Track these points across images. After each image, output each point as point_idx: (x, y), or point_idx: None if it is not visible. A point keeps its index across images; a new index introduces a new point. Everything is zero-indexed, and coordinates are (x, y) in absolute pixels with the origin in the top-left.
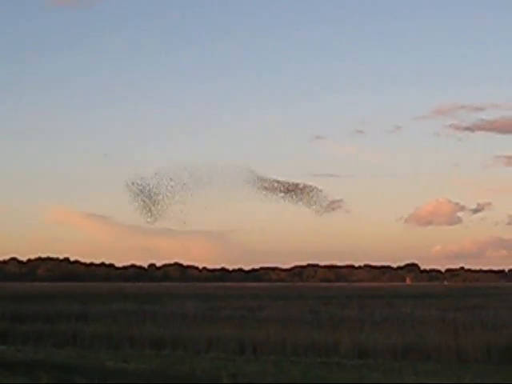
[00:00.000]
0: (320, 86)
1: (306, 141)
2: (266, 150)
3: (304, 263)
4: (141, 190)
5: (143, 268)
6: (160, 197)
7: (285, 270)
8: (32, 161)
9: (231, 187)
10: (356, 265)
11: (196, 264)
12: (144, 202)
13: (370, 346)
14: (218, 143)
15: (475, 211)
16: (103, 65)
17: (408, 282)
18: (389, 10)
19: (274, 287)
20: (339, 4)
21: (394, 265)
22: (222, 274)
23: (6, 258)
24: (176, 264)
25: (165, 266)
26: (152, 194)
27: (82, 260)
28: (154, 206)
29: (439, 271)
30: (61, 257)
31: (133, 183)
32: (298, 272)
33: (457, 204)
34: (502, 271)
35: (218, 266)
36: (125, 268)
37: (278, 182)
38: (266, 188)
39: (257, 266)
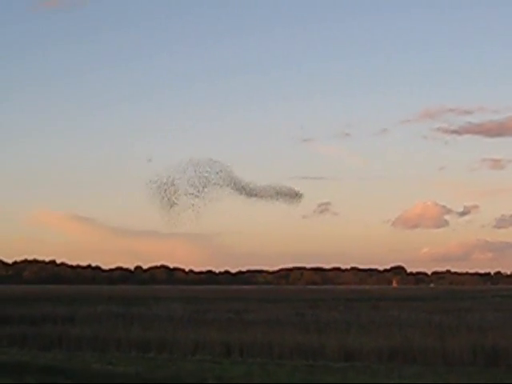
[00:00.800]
0: (307, 88)
1: (293, 143)
2: (253, 152)
3: (290, 266)
4: (164, 190)
5: (129, 270)
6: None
7: (271, 273)
8: (17, 163)
9: (218, 189)
10: (343, 267)
11: (182, 266)
12: (165, 202)
13: (356, 349)
14: (204, 145)
15: (462, 214)
16: (94, 65)
17: (394, 284)
18: (377, 13)
19: (260, 290)
20: (328, 7)
21: (381, 267)
22: (209, 276)
23: None
24: (162, 266)
25: (151, 268)
26: (172, 195)
27: (69, 262)
28: (171, 208)
29: (426, 274)
30: (47, 259)
31: (153, 182)
32: (285, 275)
33: (443, 207)
34: (488, 274)
35: (205, 269)
36: (111, 270)
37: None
38: (247, 194)
39: (243, 269)
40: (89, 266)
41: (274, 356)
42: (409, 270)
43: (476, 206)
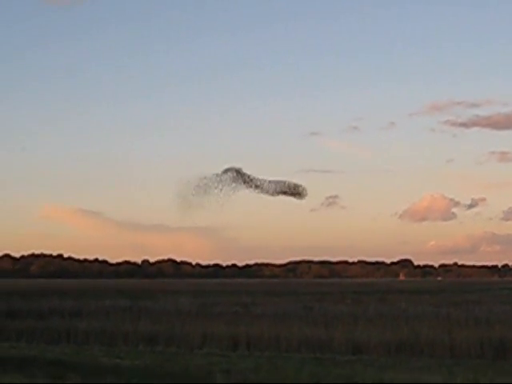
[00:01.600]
0: (315, 82)
1: (301, 137)
2: (261, 145)
3: (298, 259)
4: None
5: (137, 264)
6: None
7: (279, 266)
8: (24, 158)
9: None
10: (350, 260)
11: (190, 260)
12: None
13: (363, 342)
14: (211, 139)
15: (469, 207)
16: (97, 62)
17: (402, 277)
18: (384, 6)
19: (267, 283)
20: (334, 1)
21: (388, 260)
22: (216, 270)
23: (0, 254)
24: (170, 260)
25: (158, 262)
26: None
27: (76, 256)
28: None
29: (433, 267)
30: (54, 253)
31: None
32: (292, 268)
33: (451, 200)
34: (496, 266)
35: (212, 262)
36: (118, 264)
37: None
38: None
39: (251, 262)
40: (96, 260)
41: (282, 349)
42: (416, 263)
43: (483, 199)
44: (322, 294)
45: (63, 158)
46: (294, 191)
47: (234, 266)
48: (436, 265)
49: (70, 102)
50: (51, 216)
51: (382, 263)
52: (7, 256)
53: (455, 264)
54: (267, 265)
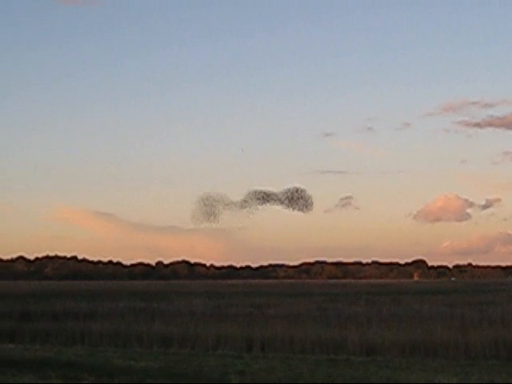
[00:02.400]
0: (329, 83)
1: (315, 138)
2: (275, 146)
3: (311, 260)
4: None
5: (151, 266)
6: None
7: (292, 267)
8: (38, 160)
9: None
10: (364, 261)
11: (203, 261)
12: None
13: (377, 343)
14: (224, 141)
15: (484, 207)
16: (110, 63)
17: (416, 278)
18: (398, 6)
19: (281, 284)
20: (347, 1)
21: (402, 261)
22: (230, 271)
23: (14, 256)
24: (184, 261)
25: (172, 263)
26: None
27: (90, 258)
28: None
29: (447, 267)
30: (68, 255)
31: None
32: (306, 269)
33: (466, 200)
34: (510, 267)
35: (226, 264)
36: (132, 266)
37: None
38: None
39: (264, 263)
40: (110, 262)
41: (296, 350)
42: (430, 264)
43: (498, 199)
44: (336, 295)
45: (77, 159)
46: (301, 196)
47: (247, 267)
48: (450, 265)
49: (83, 103)
50: (65, 218)
51: (396, 264)
52: (21, 258)
53: (469, 264)
54: (281, 266)
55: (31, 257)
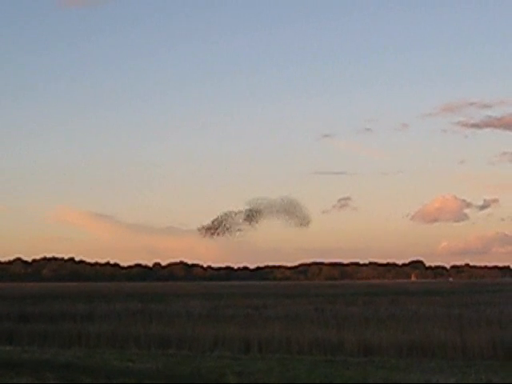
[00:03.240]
0: (328, 84)
1: (313, 139)
2: (274, 147)
3: (309, 261)
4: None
5: (148, 267)
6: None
7: (290, 268)
8: (35, 161)
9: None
10: (361, 262)
11: (201, 263)
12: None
13: (375, 344)
14: (223, 141)
15: (482, 208)
16: (110, 64)
17: (413, 278)
18: (396, 7)
19: (279, 285)
20: (346, 2)
21: (399, 262)
22: (227, 272)
23: (11, 258)
24: (181, 263)
25: (170, 265)
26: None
27: (87, 260)
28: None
29: (444, 268)
30: (66, 257)
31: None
32: (303, 270)
33: (463, 201)
34: (508, 267)
35: (223, 265)
36: (130, 267)
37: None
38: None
39: (262, 265)
40: (107, 264)
41: (293, 351)
42: (428, 264)
43: (496, 200)
44: (334, 296)
45: (74, 161)
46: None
47: (245, 268)
48: (448, 266)
49: (82, 105)
50: (63, 219)
51: (394, 264)
52: (19, 260)
53: (467, 265)
54: (278, 267)
55: (29, 258)
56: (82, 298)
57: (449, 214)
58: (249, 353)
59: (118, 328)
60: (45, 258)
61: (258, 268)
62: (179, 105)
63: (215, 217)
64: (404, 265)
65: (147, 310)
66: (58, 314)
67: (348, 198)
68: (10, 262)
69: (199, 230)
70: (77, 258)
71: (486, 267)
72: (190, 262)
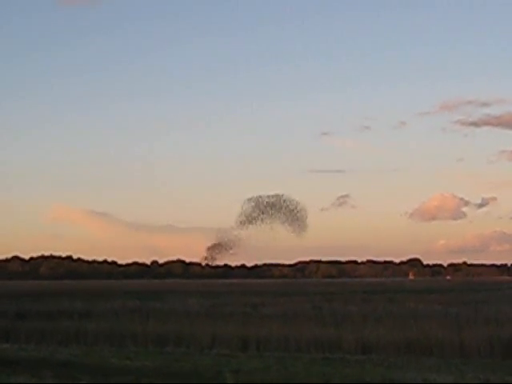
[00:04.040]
0: (326, 82)
1: (312, 137)
2: (272, 145)
3: (307, 259)
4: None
5: (146, 265)
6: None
7: (287, 266)
8: (32, 158)
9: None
10: (359, 260)
11: (198, 261)
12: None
13: (373, 342)
14: (221, 140)
15: (480, 206)
16: (110, 62)
17: (411, 277)
18: (393, 5)
19: (276, 283)
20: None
21: (397, 260)
22: (225, 270)
23: (9, 256)
24: (178, 261)
25: (167, 262)
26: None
27: (85, 258)
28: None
29: (442, 266)
30: (63, 255)
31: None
32: (301, 268)
33: (461, 199)
34: (505, 265)
35: (221, 263)
36: (127, 265)
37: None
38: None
39: (259, 263)
40: (105, 262)
41: (291, 349)
42: (425, 262)
43: (494, 198)
44: (331, 294)
45: (72, 158)
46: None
47: (243, 266)
48: (445, 264)
49: (80, 103)
50: (60, 217)
51: (391, 263)
52: (16, 258)
53: (464, 263)
54: (276, 265)
55: (26, 256)
56: (79, 296)
57: (447, 212)
58: (246, 351)
59: (116, 326)
60: (42, 256)
61: (256, 266)
62: (178, 103)
63: (213, 242)
64: (402, 263)
65: (145, 307)
66: (56, 312)
67: (346, 196)
68: (7, 260)
69: (202, 259)
70: (74, 256)
71: (483, 265)
72: (187, 259)
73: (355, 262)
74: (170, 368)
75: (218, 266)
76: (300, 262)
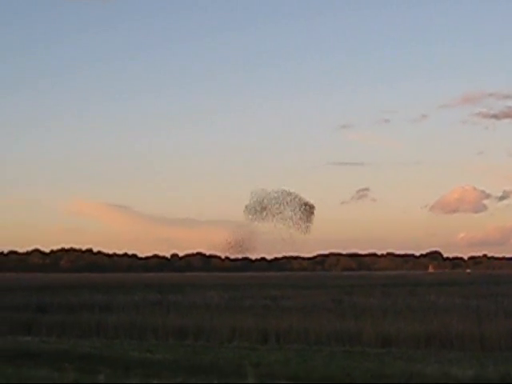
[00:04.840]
0: (346, 75)
1: (332, 130)
2: (292, 138)
3: (326, 252)
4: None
5: (166, 258)
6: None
7: (307, 259)
8: (53, 153)
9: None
10: (379, 253)
11: (218, 254)
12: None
13: (392, 335)
14: (240, 132)
15: (501, 198)
16: (123, 54)
17: (431, 269)
18: None
19: (296, 276)
20: None
21: (417, 253)
22: (245, 263)
23: (30, 249)
24: (198, 254)
25: (187, 255)
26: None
27: (105, 251)
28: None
29: (462, 259)
30: (84, 248)
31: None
32: (321, 261)
33: (482, 192)
34: None
35: (241, 256)
36: (147, 258)
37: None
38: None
39: (279, 256)
40: (125, 255)
41: (311, 342)
42: (445, 255)
43: None
44: (351, 287)
45: (92, 152)
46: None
47: (262, 259)
48: (465, 257)
49: (96, 95)
50: (81, 210)
51: (411, 255)
52: (37, 251)
53: (485, 256)
54: (296, 258)
55: (47, 249)
56: (99, 289)
57: (467, 205)
58: (266, 343)
59: (136, 319)
60: (63, 249)
61: (276, 259)
62: (196, 95)
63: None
64: (422, 256)
65: (165, 300)
66: (76, 305)
67: (366, 189)
68: (28, 253)
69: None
70: (94, 249)
71: (504, 258)
72: (207, 252)
73: (375, 255)
74: (190, 361)
75: (237, 259)
76: (320, 255)
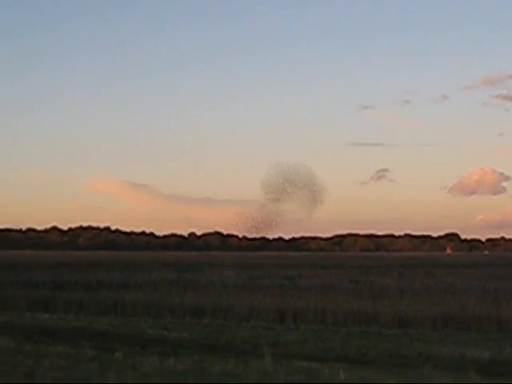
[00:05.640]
0: (367, 55)
1: (352, 110)
2: (312, 118)
3: (344, 232)
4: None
5: (183, 237)
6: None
7: (325, 239)
8: (72, 130)
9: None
10: (396, 234)
11: (236, 233)
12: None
13: (409, 316)
14: (260, 113)
15: None
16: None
17: (448, 251)
18: None
19: (313, 256)
20: None
21: (435, 234)
22: (262, 243)
23: (48, 226)
24: (216, 233)
25: (205, 234)
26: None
27: (123, 229)
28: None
29: (480, 241)
30: (101, 226)
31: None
32: (338, 241)
33: (501, 173)
34: None
35: (258, 235)
36: (165, 237)
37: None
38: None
39: (297, 236)
40: (143, 233)
41: (328, 322)
42: (463, 237)
43: None
44: (369, 268)
45: (111, 131)
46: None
47: (280, 238)
48: (483, 239)
49: (118, 76)
50: (98, 189)
51: (429, 237)
52: (55, 228)
53: (503, 238)
54: (313, 238)
55: (65, 227)
56: (117, 267)
57: (487, 187)
58: (283, 323)
59: (154, 297)
60: (81, 227)
61: (293, 239)
62: (217, 74)
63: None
64: (439, 237)
65: (182, 279)
66: (94, 283)
67: (385, 170)
68: (46, 231)
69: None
70: (112, 227)
71: None
72: (225, 232)
73: (393, 236)
74: (207, 340)
75: (255, 239)
76: (337, 236)
